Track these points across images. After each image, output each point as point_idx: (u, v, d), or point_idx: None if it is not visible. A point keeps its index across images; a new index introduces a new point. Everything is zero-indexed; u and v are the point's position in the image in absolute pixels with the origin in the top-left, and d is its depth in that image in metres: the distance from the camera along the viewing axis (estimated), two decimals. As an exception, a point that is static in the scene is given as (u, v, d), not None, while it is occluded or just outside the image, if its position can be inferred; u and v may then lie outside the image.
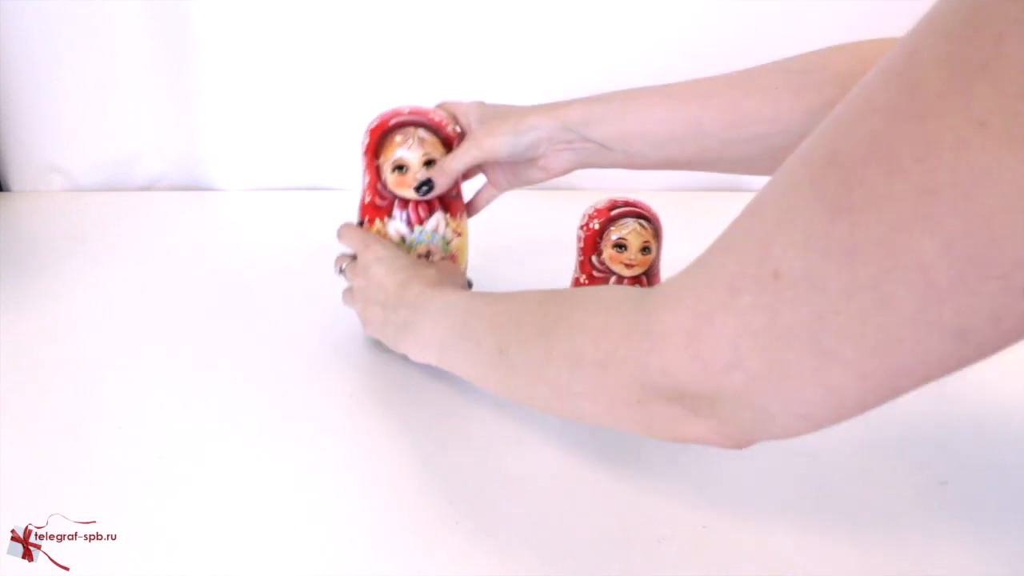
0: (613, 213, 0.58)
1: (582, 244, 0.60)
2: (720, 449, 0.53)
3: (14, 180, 1.08)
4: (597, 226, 0.58)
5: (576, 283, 0.62)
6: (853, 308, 0.28)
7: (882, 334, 0.28)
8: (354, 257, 0.62)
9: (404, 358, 0.58)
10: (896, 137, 0.26)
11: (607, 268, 0.59)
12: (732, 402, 0.33)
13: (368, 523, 0.48)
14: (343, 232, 0.64)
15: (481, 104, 0.62)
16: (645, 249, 0.58)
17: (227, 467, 0.52)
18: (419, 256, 0.62)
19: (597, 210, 0.59)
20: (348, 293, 0.63)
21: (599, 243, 0.59)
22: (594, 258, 0.59)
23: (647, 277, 0.60)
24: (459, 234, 0.63)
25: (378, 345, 0.63)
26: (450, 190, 0.62)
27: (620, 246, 0.58)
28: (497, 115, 0.60)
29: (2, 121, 1.04)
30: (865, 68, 0.46)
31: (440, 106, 0.63)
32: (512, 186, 0.64)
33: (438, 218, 0.61)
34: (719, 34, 1.02)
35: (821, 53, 0.52)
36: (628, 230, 0.58)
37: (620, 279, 0.59)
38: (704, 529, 0.47)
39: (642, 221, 0.58)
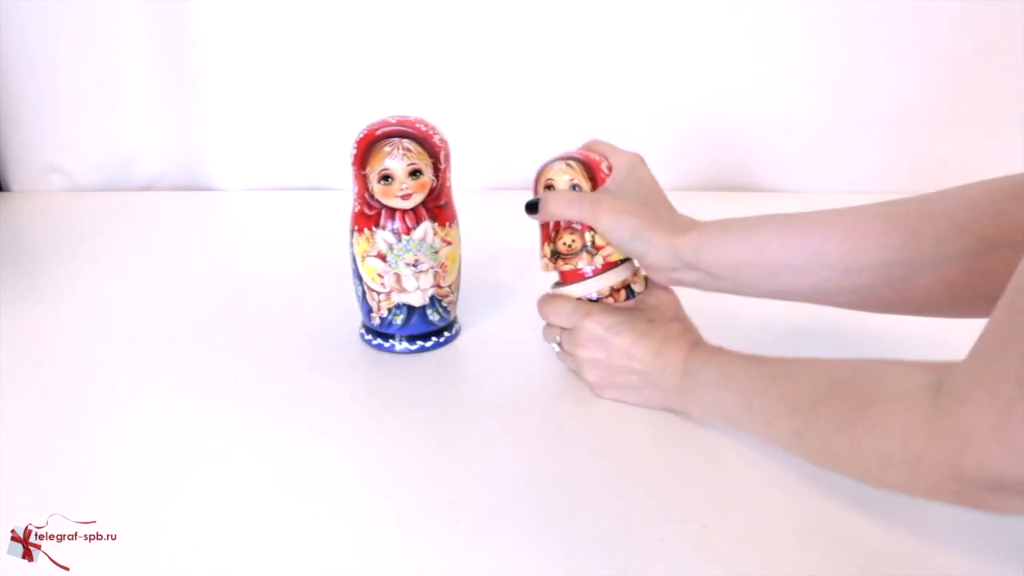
0: (544, 163, 0.60)
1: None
2: (719, 447, 0.53)
3: (14, 180, 1.08)
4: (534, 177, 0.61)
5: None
6: None
7: None
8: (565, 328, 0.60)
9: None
10: None
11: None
12: None
13: (368, 523, 0.48)
14: (549, 306, 0.61)
15: (638, 163, 0.60)
16: (575, 187, 0.59)
17: (227, 467, 0.52)
18: (407, 265, 0.62)
19: (537, 171, 0.61)
20: (568, 358, 0.61)
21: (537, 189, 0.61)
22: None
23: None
24: (448, 243, 0.63)
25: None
26: (439, 199, 0.62)
27: (549, 187, 0.60)
28: (638, 191, 0.58)
29: (2, 121, 1.04)
30: (1000, 197, 0.47)
31: (594, 143, 0.62)
32: None
33: (426, 227, 0.61)
34: (711, 35, 1.02)
35: (953, 188, 0.51)
36: (554, 172, 0.60)
37: (558, 221, 0.60)
38: (704, 529, 0.47)
39: (569, 162, 0.59)
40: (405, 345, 0.66)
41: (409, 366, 0.65)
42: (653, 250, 0.55)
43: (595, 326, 0.57)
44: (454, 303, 0.68)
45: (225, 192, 1.09)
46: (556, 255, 0.60)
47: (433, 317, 0.66)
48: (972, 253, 0.47)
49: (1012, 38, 0.99)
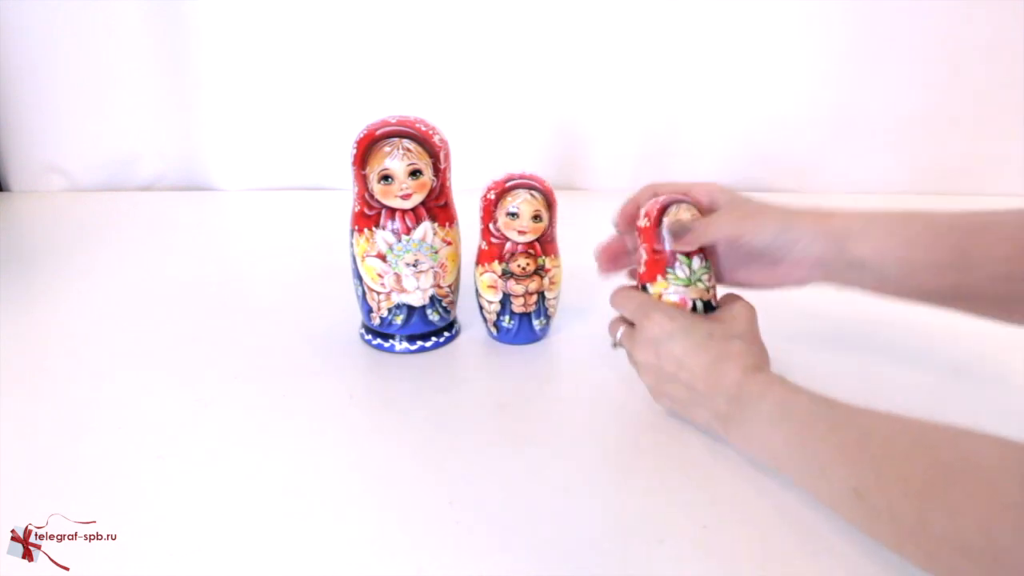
0: (507, 185, 0.62)
1: (481, 213, 0.64)
2: (720, 447, 0.53)
3: (14, 180, 1.08)
4: (493, 196, 0.63)
5: (479, 250, 0.65)
6: None
7: None
8: (631, 323, 0.58)
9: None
10: None
11: (503, 234, 0.63)
12: None
13: (368, 523, 0.48)
14: (618, 297, 0.59)
15: (720, 187, 0.59)
16: (536, 218, 0.62)
17: (227, 467, 0.52)
18: (407, 265, 0.62)
19: (495, 183, 0.63)
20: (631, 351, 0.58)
21: (495, 212, 0.63)
22: (491, 225, 0.63)
23: (540, 243, 0.64)
24: (448, 243, 0.63)
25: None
26: (439, 199, 0.62)
27: (512, 214, 0.62)
28: (751, 202, 0.57)
29: (2, 121, 1.04)
30: None
31: (658, 187, 0.60)
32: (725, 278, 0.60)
33: (426, 228, 0.61)
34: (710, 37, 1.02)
35: None
36: (520, 200, 0.62)
37: (515, 244, 0.63)
38: (704, 529, 0.47)
39: (533, 192, 0.62)
40: (405, 345, 0.66)
41: (409, 366, 0.65)
42: (805, 235, 0.53)
43: (652, 326, 0.54)
44: (454, 303, 0.68)
45: (225, 192, 1.09)
46: (508, 275, 0.64)
47: (433, 317, 0.66)
48: None
49: (1015, 42, 0.99)
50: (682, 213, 0.57)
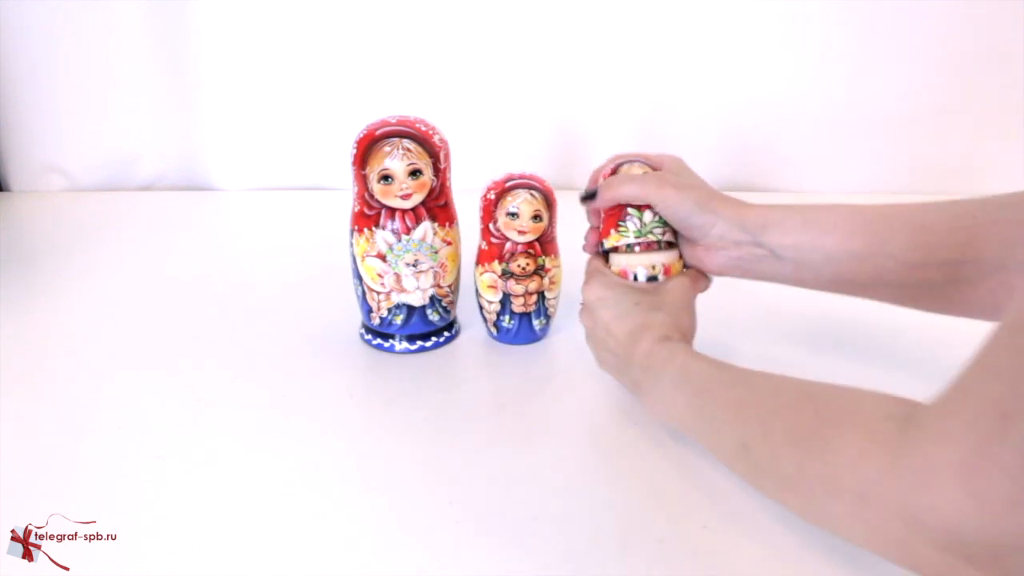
0: (507, 185, 0.62)
1: (481, 213, 0.64)
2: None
3: (14, 180, 1.08)
4: (493, 196, 0.63)
5: (479, 249, 0.65)
6: None
7: None
8: None
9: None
10: None
11: (503, 234, 0.63)
12: (1017, 548, 0.29)
13: (368, 523, 0.48)
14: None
15: (682, 160, 0.60)
16: (536, 217, 0.62)
17: (227, 467, 0.52)
18: (407, 265, 0.62)
19: (495, 183, 0.63)
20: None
21: (495, 212, 0.63)
22: (491, 225, 0.63)
23: (540, 243, 0.64)
24: (449, 243, 0.64)
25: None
26: (439, 199, 0.62)
27: (512, 214, 0.62)
28: (690, 178, 0.59)
29: (2, 121, 1.04)
30: None
31: (638, 154, 0.61)
32: None
33: (425, 227, 0.61)
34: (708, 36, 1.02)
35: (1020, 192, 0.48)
36: (520, 200, 0.62)
37: (515, 244, 0.63)
38: (704, 529, 0.47)
39: (533, 192, 0.62)
40: (405, 345, 0.66)
41: (409, 366, 0.65)
42: (721, 221, 0.55)
43: (590, 292, 0.57)
44: (454, 303, 0.68)
45: (225, 192, 1.09)
46: (508, 275, 0.64)
47: (433, 317, 0.66)
48: None
49: (1013, 41, 0.99)
50: (634, 169, 0.59)
